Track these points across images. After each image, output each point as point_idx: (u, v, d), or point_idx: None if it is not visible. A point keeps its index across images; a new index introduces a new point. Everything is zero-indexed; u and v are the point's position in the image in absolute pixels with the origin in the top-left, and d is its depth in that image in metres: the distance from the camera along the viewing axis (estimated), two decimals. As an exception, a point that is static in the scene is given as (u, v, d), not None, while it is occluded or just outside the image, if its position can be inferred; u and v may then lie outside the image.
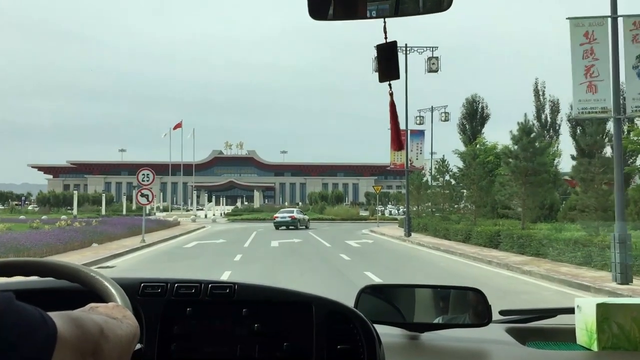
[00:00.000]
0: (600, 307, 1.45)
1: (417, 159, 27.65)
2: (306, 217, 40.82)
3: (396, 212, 78.96)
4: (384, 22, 1.25)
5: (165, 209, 74.26)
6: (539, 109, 41.87)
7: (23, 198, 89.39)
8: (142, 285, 1.30)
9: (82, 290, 0.99)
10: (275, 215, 39.28)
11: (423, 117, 43.67)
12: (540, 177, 20.61)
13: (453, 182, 29.47)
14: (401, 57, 27.98)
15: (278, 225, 36.63)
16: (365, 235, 30.77)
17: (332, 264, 16.47)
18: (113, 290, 0.98)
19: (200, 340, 1.25)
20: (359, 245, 23.98)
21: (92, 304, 0.88)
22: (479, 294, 1.55)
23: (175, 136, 77.04)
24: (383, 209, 75.38)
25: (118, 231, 26.59)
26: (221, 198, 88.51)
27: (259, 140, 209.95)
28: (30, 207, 76.86)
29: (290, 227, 36.08)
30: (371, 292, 1.58)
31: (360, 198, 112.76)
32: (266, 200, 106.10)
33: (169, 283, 1.30)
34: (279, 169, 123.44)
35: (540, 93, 42.23)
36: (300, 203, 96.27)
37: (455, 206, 28.03)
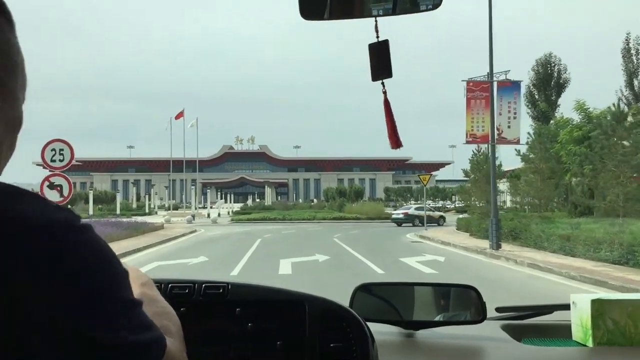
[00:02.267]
0: (594, 303, 1.40)
1: (509, 126, 16.81)
2: (435, 213, 35.73)
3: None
4: (375, 20, 1.21)
5: (169, 208, 64.23)
6: (631, 74, 30.50)
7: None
8: None
9: None
10: (393, 212, 39.05)
11: (475, 87, 32.83)
12: None
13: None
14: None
15: (397, 223, 35.37)
16: (420, 245, 20.02)
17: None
18: None
19: (194, 340, 1.15)
20: (431, 269, 13.27)
21: (156, 309, 0.87)
22: (474, 292, 1.47)
23: (181, 131, 66.00)
24: (409, 205, 64.75)
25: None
26: (229, 195, 78.53)
27: (271, 136, 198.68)
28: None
29: (407, 224, 34.37)
30: (366, 290, 1.48)
31: (377, 194, 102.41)
32: (279, 197, 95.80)
33: (162, 283, 1.23)
34: (292, 164, 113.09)
35: (634, 52, 30.82)
36: (315, 200, 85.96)
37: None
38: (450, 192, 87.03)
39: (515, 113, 16.65)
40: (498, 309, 1.75)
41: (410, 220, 35.12)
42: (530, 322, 1.69)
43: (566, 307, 1.55)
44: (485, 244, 18.80)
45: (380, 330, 1.35)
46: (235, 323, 1.21)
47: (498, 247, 16.40)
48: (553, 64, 32.32)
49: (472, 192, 25.22)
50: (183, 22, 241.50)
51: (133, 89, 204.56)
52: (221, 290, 1.24)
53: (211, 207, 58.36)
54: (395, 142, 1.39)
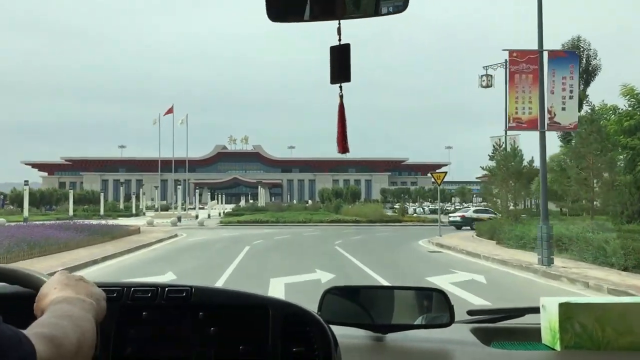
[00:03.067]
0: (562, 306, 1.35)
1: (563, 108, 12.92)
2: (492, 215, 29.41)
3: (421, 210, 64.95)
4: (339, 23, 1.21)
5: (159, 209, 60.17)
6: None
7: (1, 197, 74.73)
8: None
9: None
10: (450, 215, 36.23)
11: (491, 76, 29.13)
12: None
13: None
14: None
15: (456, 226, 32.51)
16: (443, 257, 16.17)
17: None
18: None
19: (156, 345, 1.16)
20: (475, 295, 9.39)
21: (59, 296, 0.81)
22: (442, 295, 1.43)
23: (176, 131, 61.75)
24: (407, 207, 60.97)
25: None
26: (221, 196, 74.56)
27: (265, 136, 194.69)
28: (4, 208, 63.33)
29: (465, 227, 30.98)
30: (336, 293, 1.43)
31: (373, 195, 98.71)
32: (273, 198, 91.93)
33: (125, 287, 1.20)
34: (286, 165, 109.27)
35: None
36: (310, 201, 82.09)
37: None
38: (449, 194, 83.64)
39: (571, 92, 12.86)
40: (470, 312, 1.68)
41: (467, 223, 31.80)
42: (500, 325, 1.62)
43: (537, 310, 1.50)
44: (524, 255, 15.04)
45: (348, 334, 1.34)
46: (198, 327, 1.17)
47: (550, 262, 12.60)
48: (582, 49, 28.76)
49: (498, 193, 21.35)
50: (177, 21, 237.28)
51: (126, 88, 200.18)
52: (184, 294, 1.20)
53: (202, 208, 54.35)
54: (343, 147, 1.36)
